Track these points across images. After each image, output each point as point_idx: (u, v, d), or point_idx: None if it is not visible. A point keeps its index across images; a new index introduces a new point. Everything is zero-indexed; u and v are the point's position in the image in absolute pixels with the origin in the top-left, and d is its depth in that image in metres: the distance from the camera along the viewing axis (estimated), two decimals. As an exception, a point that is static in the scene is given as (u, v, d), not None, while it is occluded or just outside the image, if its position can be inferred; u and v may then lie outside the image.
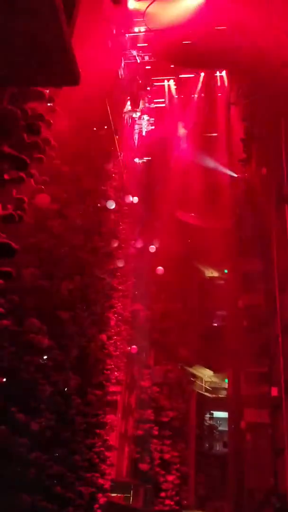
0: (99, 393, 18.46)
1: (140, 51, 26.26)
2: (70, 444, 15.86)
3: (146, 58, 26.44)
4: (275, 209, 24.85)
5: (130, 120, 27.83)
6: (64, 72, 5.48)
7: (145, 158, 29.48)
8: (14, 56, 5.04)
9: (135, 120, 28.53)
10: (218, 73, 28.91)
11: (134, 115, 27.77)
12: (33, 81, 6.56)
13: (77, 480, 16.11)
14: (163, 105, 30.49)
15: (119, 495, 22.12)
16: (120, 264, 21.18)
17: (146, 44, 25.40)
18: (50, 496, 13.79)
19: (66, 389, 16.13)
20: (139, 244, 26.62)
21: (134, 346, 23.75)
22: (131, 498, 23.29)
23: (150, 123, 29.93)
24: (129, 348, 24.00)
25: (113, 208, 20.17)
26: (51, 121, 11.05)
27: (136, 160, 28.44)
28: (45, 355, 14.43)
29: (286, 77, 21.28)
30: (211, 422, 32.86)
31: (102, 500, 18.24)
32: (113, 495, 21.09)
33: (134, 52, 26.05)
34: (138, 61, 26.19)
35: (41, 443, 13.53)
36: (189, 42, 24.60)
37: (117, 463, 22.16)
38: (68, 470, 15.35)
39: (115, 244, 20.20)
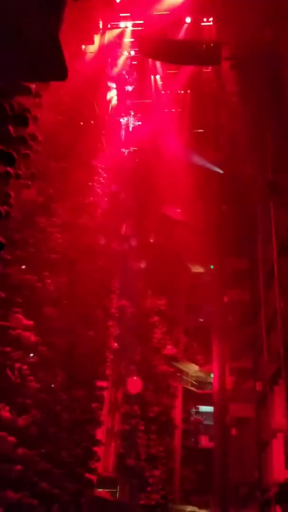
0: (86, 389, 18.48)
1: (127, 46, 26.16)
2: (57, 439, 15.86)
3: (133, 53, 26.33)
4: (261, 207, 25.06)
5: (117, 115, 27.75)
6: (52, 68, 5.47)
7: (131, 148, 29.25)
8: (2, 51, 5.00)
9: (122, 115, 28.45)
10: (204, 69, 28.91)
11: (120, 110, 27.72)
12: (21, 76, 6.53)
13: (64, 476, 16.12)
14: (150, 100, 30.40)
15: (105, 490, 22.19)
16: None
17: (132, 39, 25.27)
18: (37, 492, 13.78)
19: (52, 385, 16.13)
20: (126, 240, 26.61)
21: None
22: (117, 492, 23.39)
23: (136, 119, 29.88)
24: (116, 344, 24.03)
25: (101, 204, 20.17)
26: (38, 116, 10.97)
27: (123, 150, 28.24)
28: (31, 351, 14.38)
29: (272, 71, 21.43)
30: (196, 416, 33.11)
31: (88, 495, 18.29)
32: (99, 490, 21.16)
33: (121, 47, 25.96)
34: (125, 56, 26.10)
35: (28, 439, 13.50)
36: (175, 38, 24.55)
37: (104, 458, 22.21)
38: (55, 466, 15.35)
39: (103, 240, 20.17)
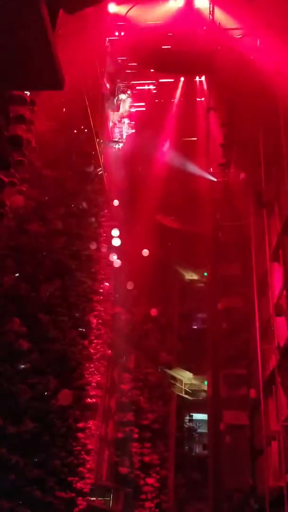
0: (79, 397, 18.41)
1: (121, 55, 26.41)
2: (50, 448, 15.77)
3: (126, 62, 26.55)
4: (254, 214, 25.22)
5: (110, 123, 27.89)
6: (48, 77, 5.52)
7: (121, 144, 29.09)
8: (-1, 60, 5.05)
9: (116, 123, 28.61)
10: (197, 78, 29.21)
11: (114, 119, 27.88)
12: (17, 85, 6.58)
13: (57, 485, 16.01)
14: (143, 109, 30.65)
15: (99, 499, 22.04)
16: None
17: (126, 49, 25.45)
18: (30, 500, 13.68)
19: (46, 393, 16.05)
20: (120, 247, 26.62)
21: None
22: (111, 501, 23.22)
23: (130, 127, 30.08)
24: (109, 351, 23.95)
25: (94, 211, 20.24)
26: (32, 124, 11.04)
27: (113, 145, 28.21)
28: (25, 358, 14.33)
29: (266, 82, 21.66)
30: (190, 424, 33.01)
31: (82, 504, 18.15)
32: (92, 499, 21.00)
33: (115, 57, 26.19)
34: (119, 65, 26.31)
35: (20, 447, 13.43)
36: (168, 47, 24.81)
37: (97, 466, 22.05)
38: (48, 475, 15.26)
39: (95, 247, 20.20)
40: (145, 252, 26.50)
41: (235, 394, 28.77)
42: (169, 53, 24.49)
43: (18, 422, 13.65)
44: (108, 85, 26.02)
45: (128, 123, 29.31)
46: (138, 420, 26.01)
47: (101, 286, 21.30)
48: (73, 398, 17.85)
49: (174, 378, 32.23)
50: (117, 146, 27.47)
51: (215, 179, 31.64)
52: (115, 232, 25.19)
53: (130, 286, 27.52)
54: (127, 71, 27.05)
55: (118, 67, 26.12)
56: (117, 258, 24.63)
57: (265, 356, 22.32)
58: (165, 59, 24.26)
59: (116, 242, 23.88)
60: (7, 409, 13.28)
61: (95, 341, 20.26)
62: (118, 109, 27.72)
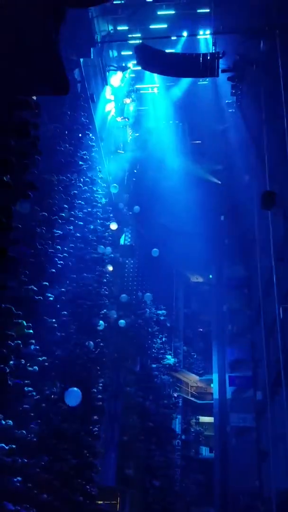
0: (85, 399, 18.42)
1: (124, 59, 26.56)
2: (57, 450, 15.77)
3: (130, 65, 26.69)
4: (258, 215, 25.22)
5: (115, 126, 28.01)
6: (53, 81, 5.60)
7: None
8: (4, 65, 5.13)
9: (121, 126, 28.72)
10: (201, 81, 29.29)
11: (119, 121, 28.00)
12: (22, 90, 6.66)
13: (64, 488, 16.00)
14: (147, 111, 30.76)
15: (105, 501, 22.04)
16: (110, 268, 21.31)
17: (130, 52, 25.59)
18: (36, 504, 13.69)
19: (52, 396, 16.08)
20: (126, 250, 26.68)
21: None
22: (118, 504, 23.23)
23: (135, 130, 30.21)
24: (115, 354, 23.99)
25: (99, 215, 20.32)
26: (38, 127, 11.10)
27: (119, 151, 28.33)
28: (31, 361, 14.36)
29: (269, 81, 21.72)
30: (197, 427, 32.99)
31: (89, 507, 18.15)
32: (100, 502, 21.01)
33: (118, 60, 26.34)
34: (123, 68, 26.44)
35: (27, 450, 13.45)
36: (172, 50, 24.93)
37: (104, 469, 22.07)
38: (55, 477, 15.25)
39: (101, 250, 20.24)
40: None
41: (241, 396, 28.76)
42: (173, 56, 24.54)
43: (25, 425, 13.66)
44: (112, 88, 26.13)
45: (133, 126, 29.43)
46: (144, 422, 26.02)
47: (107, 289, 21.31)
48: (80, 400, 17.88)
49: (180, 381, 32.23)
50: (121, 131, 27.64)
51: (220, 182, 31.70)
52: (121, 234, 25.30)
53: (135, 288, 27.57)
54: (131, 74, 27.19)
55: (122, 70, 26.24)
56: (123, 261, 24.72)
57: (271, 358, 22.29)
58: (169, 62, 24.30)
59: (122, 244, 23.96)
60: (14, 412, 13.31)
61: (101, 344, 20.29)
62: (122, 111, 27.86)
